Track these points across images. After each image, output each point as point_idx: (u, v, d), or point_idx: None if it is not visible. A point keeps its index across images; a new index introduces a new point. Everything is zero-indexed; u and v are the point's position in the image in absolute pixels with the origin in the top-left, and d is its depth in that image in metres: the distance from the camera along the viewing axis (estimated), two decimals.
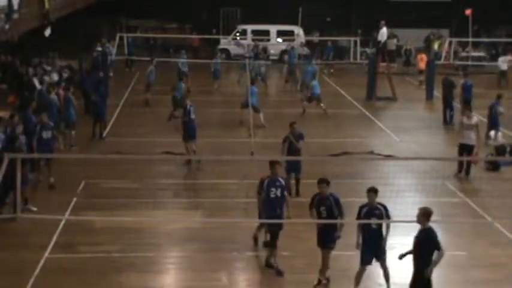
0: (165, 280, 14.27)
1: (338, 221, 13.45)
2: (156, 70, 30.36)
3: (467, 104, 26.17)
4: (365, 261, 13.13)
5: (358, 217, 13.13)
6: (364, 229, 13.03)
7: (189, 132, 21.27)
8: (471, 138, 20.09)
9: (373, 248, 13.05)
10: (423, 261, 11.76)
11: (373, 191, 13.05)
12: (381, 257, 13.18)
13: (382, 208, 13.05)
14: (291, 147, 18.35)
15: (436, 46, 42.47)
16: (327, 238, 13.30)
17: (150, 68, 30.22)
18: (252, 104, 25.72)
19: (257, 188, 14.42)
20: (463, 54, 42.45)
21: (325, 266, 13.38)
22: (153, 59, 31.70)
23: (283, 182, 14.17)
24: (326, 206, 13.26)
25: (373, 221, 12.99)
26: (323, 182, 13.35)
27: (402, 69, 40.20)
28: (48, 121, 19.06)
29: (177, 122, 23.63)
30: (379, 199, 13.40)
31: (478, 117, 21.32)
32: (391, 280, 13.95)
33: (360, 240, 13.14)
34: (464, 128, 20.35)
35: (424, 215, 11.80)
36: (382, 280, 13.84)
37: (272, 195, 13.95)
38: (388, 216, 13.09)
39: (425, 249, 11.74)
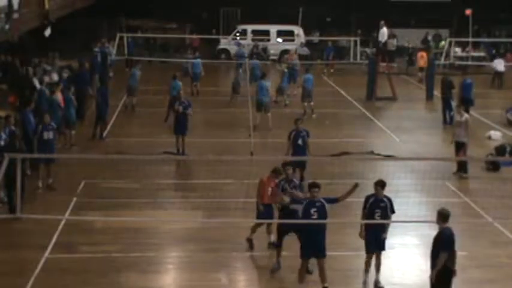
0: (165, 280, 14.28)
1: (332, 221, 13.46)
2: (140, 74, 29.62)
3: (467, 103, 26.35)
4: (369, 251, 13.48)
5: (364, 207, 13.39)
6: (368, 219, 13.33)
7: (177, 126, 22.08)
8: (460, 135, 20.36)
9: (376, 238, 13.37)
10: (432, 262, 11.89)
11: (380, 185, 13.42)
12: (381, 249, 13.49)
13: (387, 201, 13.41)
14: (295, 143, 18.58)
15: (444, 46, 42.23)
16: (320, 246, 13.09)
17: (133, 71, 29.58)
18: (266, 102, 25.90)
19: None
20: (463, 54, 42.42)
21: (324, 275, 13.27)
22: (138, 63, 31.58)
23: (296, 183, 14.24)
24: (317, 208, 13.07)
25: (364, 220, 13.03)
26: (316, 186, 13.25)
27: (406, 69, 40.05)
28: (50, 122, 18.99)
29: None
30: None
31: (480, 120, 21.31)
32: (391, 280, 14.01)
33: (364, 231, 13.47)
34: (455, 125, 20.77)
35: (437, 216, 11.92)
36: (383, 280, 13.87)
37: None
38: (392, 210, 13.46)
39: (434, 249, 11.86)
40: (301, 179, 18.06)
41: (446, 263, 11.70)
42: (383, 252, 13.73)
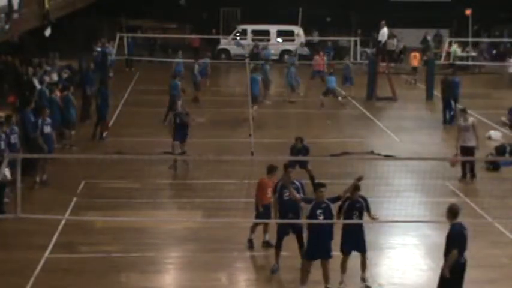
0: (165, 280, 14.28)
1: (338, 221, 13.46)
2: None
3: (455, 101, 26.54)
4: (346, 251, 13.46)
5: (339, 210, 13.34)
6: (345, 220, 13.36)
7: (176, 134, 21.38)
8: (469, 139, 19.87)
9: (353, 238, 13.37)
10: (445, 259, 11.89)
11: (356, 189, 13.28)
12: (362, 248, 13.46)
13: (362, 201, 13.35)
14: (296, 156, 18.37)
15: (457, 50, 42.13)
16: (325, 247, 13.05)
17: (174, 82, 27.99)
18: (256, 94, 26.57)
19: (272, 188, 14.42)
20: (463, 54, 42.42)
21: (328, 276, 13.27)
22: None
23: (298, 185, 14.11)
24: (323, 209, 13.01)
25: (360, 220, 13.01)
26: (323, 186, 13.23)
27: (396, 68, 39.97)
28: (47, 117, 19.33)
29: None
30: (379, 199, 13.46)
31: (474, 117, 21.19)
32: (391, 280, 14.02)
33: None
34: (462, 130, 20.09)
35: (447, 212, 11.94)
36: (383, 280, 13.91)
37: (285, 198, 13.91)
38: (368, 208, 13.36)
39: (446, 246, 11.87)
40: (312, 178, 17.98)
41: (459, 260, 11.71)
42: (383, 253, 13.73)
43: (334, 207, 13.19)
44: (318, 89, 30.83)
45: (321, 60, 35.49)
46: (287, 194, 13.84)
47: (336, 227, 13.43)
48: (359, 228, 13.40)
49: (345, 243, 13.43)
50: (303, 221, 13.30)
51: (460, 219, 12.00)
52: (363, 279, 13.59)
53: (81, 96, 26.94)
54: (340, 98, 29.53)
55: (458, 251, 11.69)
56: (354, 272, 13.68)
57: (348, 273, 13.65)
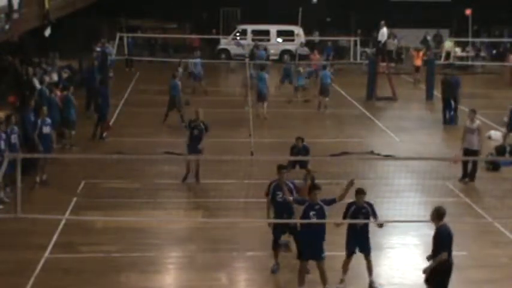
0: (165, 280, 14.28)
1: (337, 221, 13.47)
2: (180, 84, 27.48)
3: (455, 101, 26.46)
4: (349, 252, 13.52)
5: (345, 215, 13.37)
6: (350, 225, 13.38)
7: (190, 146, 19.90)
8: (473, 142, 19.60)
9: (357, 240, 13.44)
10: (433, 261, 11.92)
11: (360, 193, 13.33)
12: (366, 250, 13.50)
13: (368, 206, 13.36)
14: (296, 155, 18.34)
15: (451, 46, 42.12)
16: (317, 248, 13.04)
17: (173, 82, 27.02)
18: (260, 90, 27.09)
19: (265, 190, 14.39)
20: (463, 54, 42.42)
21: (325, 277, 13.27)
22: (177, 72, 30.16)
23: (291, 186, 14.08)
24: (316, 211, 12.99)
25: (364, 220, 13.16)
26: (318, 188, 13.21)
27: (396, 68, 39.96)
28: (47, 117, 19.35)
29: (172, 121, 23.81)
30: (379, 199, 13.48)
31: (480, 120, 21.07)
32: (391, 280, 14.02)
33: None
34: (467, 132, 19.81)
35: (433, 214, 11.94)
36: (383, 280, 13.90)
37: (278, 199, 13.93)
38: (374, 214, 13.37)
39: (434, 248, 11.88)
40: (312, 178, 17.93)
41: (446, 260, 11.72)
42: (383, 253, 13.70)
43: (329, 209, 13.16)
44: (316, 89, 30.81)
45: (315, 59, 35.45)
46: (280, 195, 13.86)
47: (330, 227, 13.43)
48: (364, 231, 13.41)
49: (349, 244, 13.47)
50: (299, 221, 13.28)
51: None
52: (372, 283, 13.57)
53: (86, 95, 27.07)
54: (327, 98, 29.25)
55: (448, 252, 11.70)
56: (355, 272, 13.69)
57: (349, 273, 13.64)
